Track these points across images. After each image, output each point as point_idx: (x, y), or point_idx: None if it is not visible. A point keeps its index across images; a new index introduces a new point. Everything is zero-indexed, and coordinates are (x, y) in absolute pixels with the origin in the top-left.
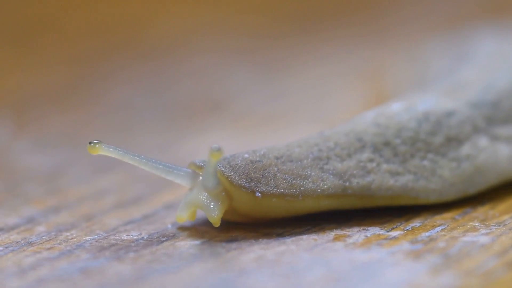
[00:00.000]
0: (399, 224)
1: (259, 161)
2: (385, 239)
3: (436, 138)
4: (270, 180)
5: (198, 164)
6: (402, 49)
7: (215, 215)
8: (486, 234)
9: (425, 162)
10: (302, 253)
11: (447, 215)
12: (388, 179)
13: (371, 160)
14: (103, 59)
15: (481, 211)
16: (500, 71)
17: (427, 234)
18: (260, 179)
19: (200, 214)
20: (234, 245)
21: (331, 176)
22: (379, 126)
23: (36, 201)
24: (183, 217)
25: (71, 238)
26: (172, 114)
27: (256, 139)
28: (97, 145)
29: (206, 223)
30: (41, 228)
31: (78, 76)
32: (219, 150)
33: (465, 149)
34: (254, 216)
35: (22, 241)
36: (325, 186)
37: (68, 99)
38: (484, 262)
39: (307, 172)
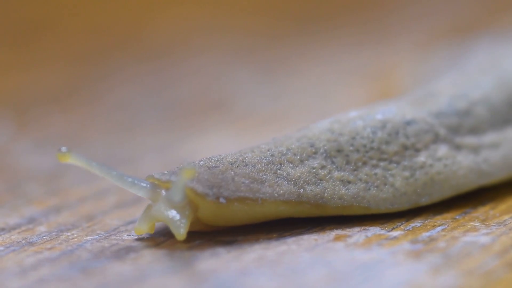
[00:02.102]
0: (399, 224)
1: (215, 166)
2: (386, 239)
3: (391, 146)
4: (230, 184)
5: (157, 177)
6: (403, 48)
7: (182, 232)
8: (487, 234)
9: (377, 171)
10: (303, 253)
11: (448, 215)
12: (339, 187)
13: (323, 167)
14: (103, 59)
15: (482, 211)
16: (479, 81)
17: (427, 234)
18: (220, 184)
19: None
20: (234, 245)
21: (286, 182)
22: (332, 132)
23: (37, 201)
24: (143, 230)
25: (72, 238)
26: (172, 114)
27: (257, 139)
28: (67, 154)
29: None
30: (42, 228)
31: (78, 76)
32: (194, 168)
33: (421, 158)
34: (219, 224)
35: (23, 241)
36: (281, 191)
37: (68, 99)
38: (485, 262)
39: (262, 176)
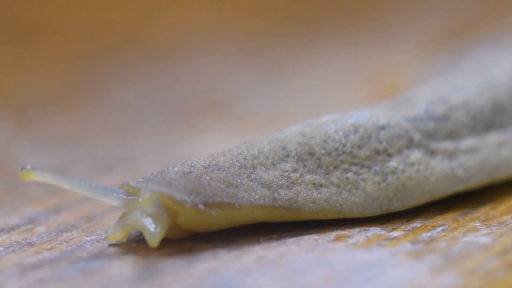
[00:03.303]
0: (400, 224)
1: (190, 172)
2: (386, 239)
3: (363, 150)
4: (207, 189)
5: (133, 185)
6: (403, 49)
7: (156, 239)
8: (487, 234)
9: (349, 175)
10: (303, 253)
11: (448, 216)
12: (312, 191)
13: (295, 170)
14: (103, 59)
15: (482, 211)
16: (463, 86)
17: (428, 234)
18: (198, 190)
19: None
20: (235, 245)
21: (260, 186)
22: (304, 136)
23: (36, 201)
24: (117, 237)
25: (72, 239)
26: (172, 114)
27: None
28: (31, 171)
29: None
30: (41, 229)
31: (79, 76)
32: (149, 197)
33: (393, 163)
34: (197, 230)
35: (23, 241)
36: (257, 196)
37: (69, 99)
38: (485, 262)
39: (237, 180)
